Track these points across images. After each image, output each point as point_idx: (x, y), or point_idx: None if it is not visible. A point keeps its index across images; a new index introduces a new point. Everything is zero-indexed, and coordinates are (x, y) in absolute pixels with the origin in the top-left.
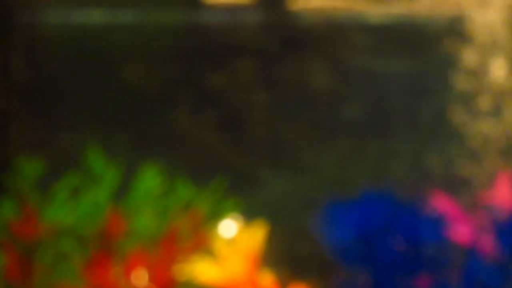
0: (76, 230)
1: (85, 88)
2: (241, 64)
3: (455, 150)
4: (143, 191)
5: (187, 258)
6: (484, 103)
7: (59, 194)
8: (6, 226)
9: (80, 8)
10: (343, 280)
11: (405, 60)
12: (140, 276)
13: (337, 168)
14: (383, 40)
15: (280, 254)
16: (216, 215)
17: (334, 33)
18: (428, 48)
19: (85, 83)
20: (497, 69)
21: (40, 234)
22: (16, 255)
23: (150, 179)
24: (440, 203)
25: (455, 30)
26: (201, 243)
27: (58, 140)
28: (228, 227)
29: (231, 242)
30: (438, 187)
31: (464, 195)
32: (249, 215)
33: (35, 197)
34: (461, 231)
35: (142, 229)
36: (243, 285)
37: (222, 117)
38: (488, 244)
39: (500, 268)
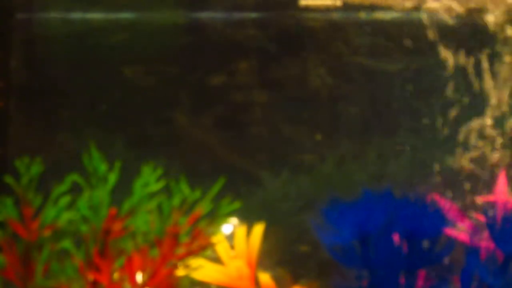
0: (76, 230)
1: (85, 88)
2: (241, 63)
3: (454, 150)
4: (143, 191)
5: (187, 258)
6: (484, 102)
7: (59, 194)
8: (6, 226)
9: (80, 8)
10: (343, 280)
11: (405, 60)
12: (140, 276)
13: (337, 168)
14: (383, 40)
15: (280, 254)
16: (216, 215)
17: (335, 32)
18: (428, 48)
19: (85, 83)
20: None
21: (40, 234)
22: (16, 255)
23: (149, 179)
24: (439, 203)
25: (457, 29)
26: (201, 243)
27: (58, 140)
28: (228, 227)
29: (230, 242)
30: (438, 187)
31: (463, 194)
32: (249, 215)
33: (35, 197)
34: (460, 231)
35: (142, 229)
36: (243, 285)
37: (222, 117)
38: (487, 244)
39: (499, 267)
